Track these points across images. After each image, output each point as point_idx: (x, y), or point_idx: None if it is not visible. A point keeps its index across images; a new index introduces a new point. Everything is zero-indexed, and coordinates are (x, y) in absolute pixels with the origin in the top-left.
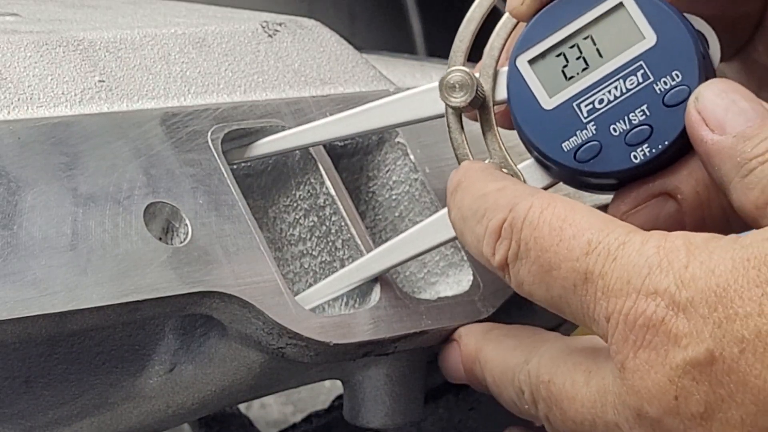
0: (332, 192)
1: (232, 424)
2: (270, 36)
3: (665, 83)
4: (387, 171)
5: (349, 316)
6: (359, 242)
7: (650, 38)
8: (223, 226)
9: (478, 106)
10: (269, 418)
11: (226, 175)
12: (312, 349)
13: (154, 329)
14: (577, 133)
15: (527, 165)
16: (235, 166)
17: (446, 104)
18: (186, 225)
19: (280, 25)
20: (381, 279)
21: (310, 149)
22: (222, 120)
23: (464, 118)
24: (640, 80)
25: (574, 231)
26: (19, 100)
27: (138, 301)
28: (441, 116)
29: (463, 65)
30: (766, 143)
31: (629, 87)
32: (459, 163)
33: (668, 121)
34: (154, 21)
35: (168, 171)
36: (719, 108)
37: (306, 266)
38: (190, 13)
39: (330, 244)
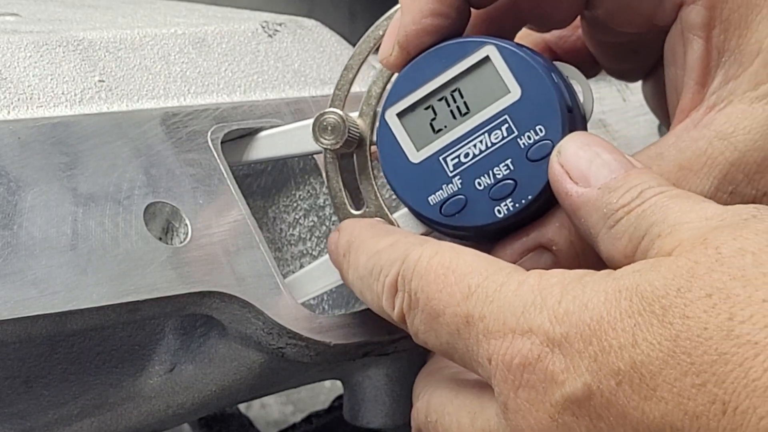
0: None
1: (232, 424)
2: (270, 36)
3: (529, 138)
4: None
5: (348, 316)
6: None
7: (515, 92)
8: (223, 226)
9: (352, 148)
10: (269, 418)
11: (226, 175)
12: (312, 349)
13: (154, 329)
14: (443, 187)
15: (403, 214)
16: (234, 166)
17: (321, 147)
18: (186, 225)
19: (280, 25)
20: None
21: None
22: (222, 120)
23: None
24: (505, 134)
25: (457, 277)
26: (19, 100)
27: (138, 301)
28: (319, 152)
29: (341, 110)
30: (631, 193)
31: (494, 141)
32: (336, 210)
33: (532, 175)
34: (154, 21)
35: (168, 171)
36: (582, 161)
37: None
38: (190, 13)
39: None
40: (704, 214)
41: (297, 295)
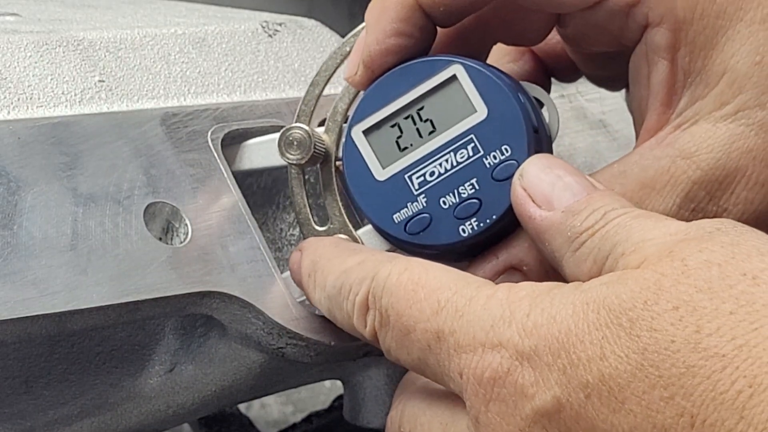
0: None
1: (232, 424)
2: (270, 36)
3: (495, 157)
4: None
5: None
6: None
7: (482, 112)
8: (223, 226)
9: (317, 164)
10: (269, 418)
11: (226, 175)
12: (312, 349)
13: (154, 329)
14: (408, 205)
15: (367, 231)
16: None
17: (287, 162)
18: (186, 225)
19: (280, 25)
20: None
21: None
22: (222, 120)
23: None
24: (471, 154)
25: (426, 292)
26: (19, 100)
27: (138, 301)
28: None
29: (308, 125)
30: (594, 216)
31: (460, 160)
32: (300, 226)
33: (497, 195)
34: (154, 21)
35: (168, 171)
36: (545, 184)
37: None
38: (190, 13)
39: None
40: (668, 230)
41: (294, 290)
